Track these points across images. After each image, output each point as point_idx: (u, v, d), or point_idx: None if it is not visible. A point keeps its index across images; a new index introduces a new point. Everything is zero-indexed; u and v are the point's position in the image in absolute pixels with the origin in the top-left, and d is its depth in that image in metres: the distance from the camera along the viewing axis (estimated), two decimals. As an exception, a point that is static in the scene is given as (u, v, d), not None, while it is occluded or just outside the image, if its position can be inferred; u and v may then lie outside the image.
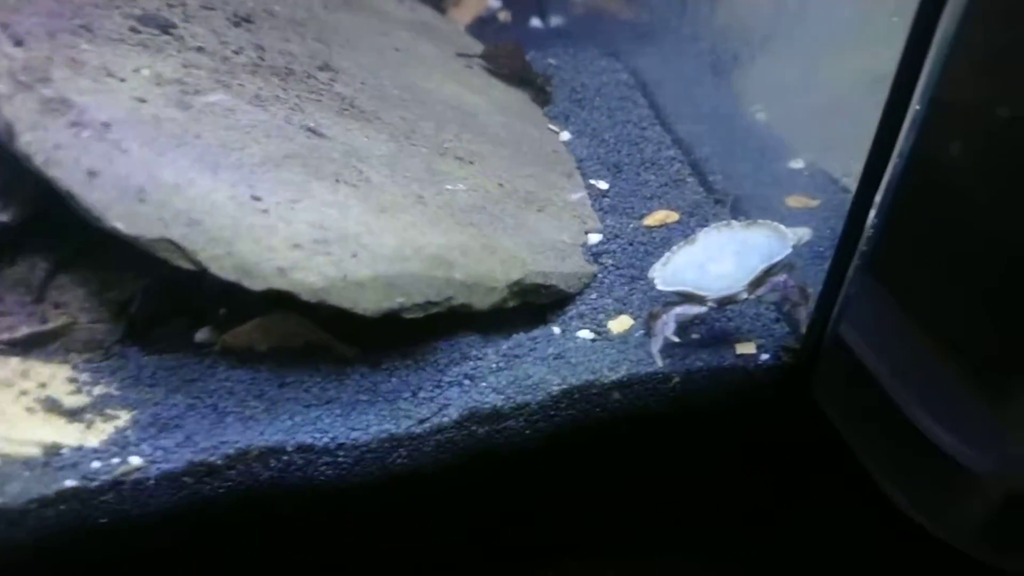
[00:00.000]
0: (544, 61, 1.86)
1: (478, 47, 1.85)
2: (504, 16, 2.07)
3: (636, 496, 1.30)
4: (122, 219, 0.96)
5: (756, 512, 1.34)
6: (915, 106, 0.97)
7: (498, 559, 1.28)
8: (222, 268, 0.99)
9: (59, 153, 0.97)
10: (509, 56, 1.79)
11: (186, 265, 0.99)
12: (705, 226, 1.20)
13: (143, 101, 1.09)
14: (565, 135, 1.66)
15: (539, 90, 1.78)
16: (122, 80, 1.10)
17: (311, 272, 1.03)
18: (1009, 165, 1.00)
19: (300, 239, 1.04)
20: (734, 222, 1.17)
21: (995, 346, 1.09)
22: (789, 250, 1.11)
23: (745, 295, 1.12)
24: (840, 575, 1.28)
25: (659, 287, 1.13)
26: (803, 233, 1.13)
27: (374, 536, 1.20)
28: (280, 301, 1.05)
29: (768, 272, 1.11)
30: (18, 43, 1.07)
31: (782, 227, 1.14)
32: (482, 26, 2.01)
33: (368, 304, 1.07)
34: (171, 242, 0.98)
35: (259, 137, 1.14)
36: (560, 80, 1.81)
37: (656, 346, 1.14)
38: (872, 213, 1.07)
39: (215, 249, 0.99)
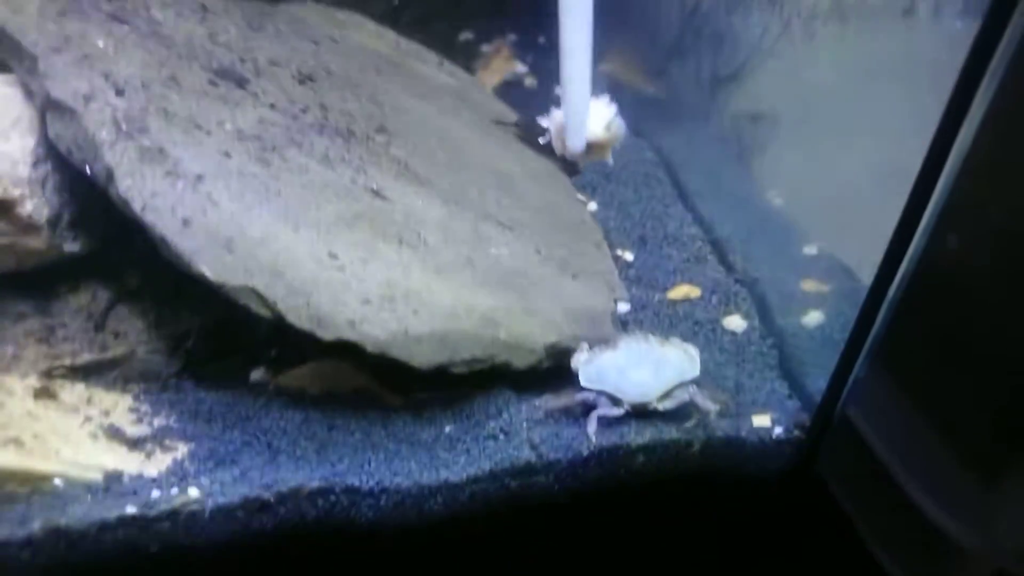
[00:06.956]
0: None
1: (511, 115, 1.95)
2: (530, 82, 2.18)
3: (647, 559, 1.37)
4: (210, 266, 1.03)
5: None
6: (933, 203, 1.06)
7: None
8: (299, 318, 1.06)
9: (156, 201, 1.05)
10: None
11: (264, 313, 1.06)
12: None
13: (228, 156, 1.17)
14: (592, 205, 1.77)
15: (567, 160, 1.88)
16: (208, 133, 1.19)
17: (377, 326, 1.11)
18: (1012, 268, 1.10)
19: (370, 295, 1.12)
20: (651, 336, 1.28)
21: (988, 432, 1.18)
22: (698, 372, 1.25)
23: (656, 405, 1.23)
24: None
25: (583, 383, 1.24)
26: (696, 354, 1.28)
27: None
28: (342, 350, 1.12)
29: (678, 387, 1.24)
30: (119, 92, 1.14)
31: (691, 349, 1.27)
32: (508, 89, 2.12)
33: (423, 358, 1.15)
34: (254, 290, 1.05)
35: (331, 197, 1.22)
36: (587, 152, 1.91)
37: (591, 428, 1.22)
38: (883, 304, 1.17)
39: (294, 300, 1.06)
